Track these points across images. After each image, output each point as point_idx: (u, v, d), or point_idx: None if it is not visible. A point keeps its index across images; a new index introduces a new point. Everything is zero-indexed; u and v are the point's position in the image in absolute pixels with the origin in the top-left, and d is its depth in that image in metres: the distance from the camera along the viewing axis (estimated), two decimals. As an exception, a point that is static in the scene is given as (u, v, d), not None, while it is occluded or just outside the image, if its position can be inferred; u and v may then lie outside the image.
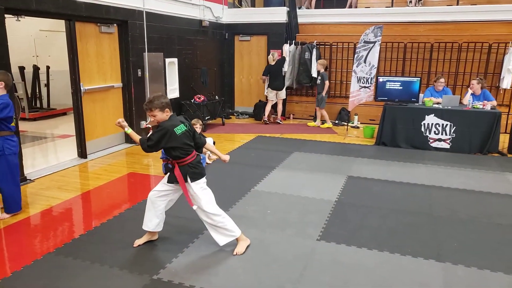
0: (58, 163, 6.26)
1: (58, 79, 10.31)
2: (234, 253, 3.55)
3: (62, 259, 3.45)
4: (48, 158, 6.65)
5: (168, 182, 3.51)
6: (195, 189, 3.41)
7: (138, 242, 3.72)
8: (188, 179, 3.38)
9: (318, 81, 9.12)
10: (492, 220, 4.33)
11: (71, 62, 6.25)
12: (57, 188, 5.22)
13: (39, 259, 3.46)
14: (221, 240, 3.56)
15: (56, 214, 4.43)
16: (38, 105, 10.22)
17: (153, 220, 3.61)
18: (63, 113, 10.47)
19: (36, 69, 9.82)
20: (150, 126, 6.67)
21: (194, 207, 3.48)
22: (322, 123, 9.41)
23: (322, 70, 9.01)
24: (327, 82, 8.93)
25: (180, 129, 3.30)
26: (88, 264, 3.38)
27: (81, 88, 6.40)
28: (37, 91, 10.05)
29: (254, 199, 4.85)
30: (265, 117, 9.59)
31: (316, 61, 9.42)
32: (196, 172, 3.41)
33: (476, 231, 4.08)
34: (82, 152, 6.54)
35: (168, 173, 3.50)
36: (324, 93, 9.00)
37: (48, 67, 10.15)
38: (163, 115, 3.30)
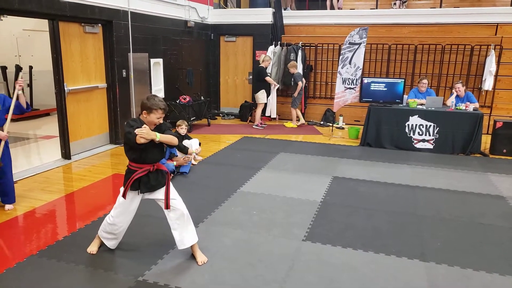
0: (41, 164, 6.17)
1: (41, 79, 10.16)
2: (200, 263, 3.43)
3: (46, 262, 3.41)
4: (31, 159, 6.54)
5: (142, 191, 3.38)
6: (171, 187, 3.38)
7: (92, 250, 3.57)
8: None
9: (292, 83, 9.22)
10: (474, 220, 4.41)
11: (55, 62, 6.17)
12: (40, 190, 5.14)
13: (21, 261, 3.41)
14: (194, 238, 3.47)
15: (39, 216, 4.37)
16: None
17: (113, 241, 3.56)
18: (46, 114, 10.33)
19: (18, 69, 9.65)
20: None
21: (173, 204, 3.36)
22: (298, 121, 9.51)
23: (295, 72, 9.07)
24: (299, 83, 9.00)
25: None
26: (72, 266, 3.34)
27: (65, 89, 6.33)
28: (20, 91, 9.88)
29: (240, 200, 4.85)
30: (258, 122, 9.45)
31: (302, 62, 9.46)
32: None
33: (459, 230, 4.15)
34: (66, 153, 6.46)
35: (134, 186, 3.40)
36: (296, 94, 9.07)
37: (31, 67, 10.00)
38: None
